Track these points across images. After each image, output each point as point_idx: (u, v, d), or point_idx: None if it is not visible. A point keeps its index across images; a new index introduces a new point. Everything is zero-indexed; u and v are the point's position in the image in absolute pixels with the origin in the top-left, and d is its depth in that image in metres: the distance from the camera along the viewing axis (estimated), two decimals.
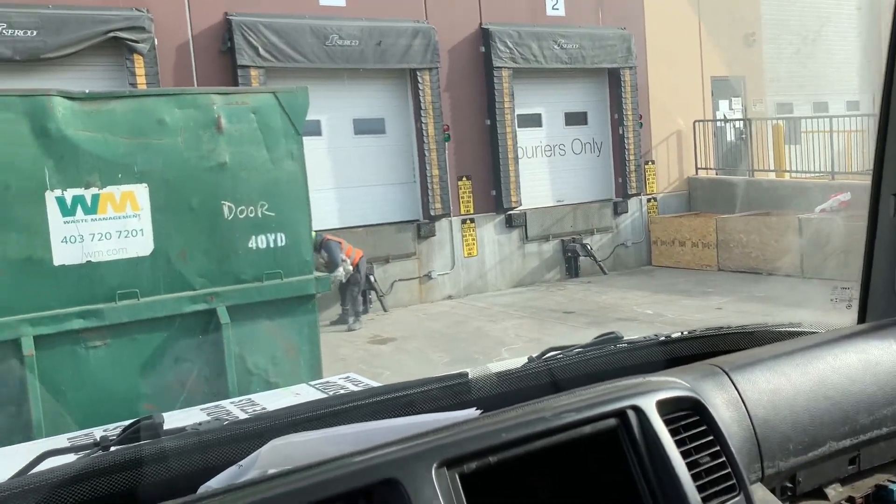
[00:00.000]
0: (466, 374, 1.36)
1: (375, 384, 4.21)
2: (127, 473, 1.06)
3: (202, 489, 0.96)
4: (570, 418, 0.96)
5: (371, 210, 11.90)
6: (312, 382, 4.32)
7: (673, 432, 1.13)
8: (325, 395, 3.84)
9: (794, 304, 9.92)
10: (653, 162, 14.35)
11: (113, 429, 3.59)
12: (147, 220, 4.92)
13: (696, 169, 14.73)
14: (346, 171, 11.65)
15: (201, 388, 5.27)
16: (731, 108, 15.41)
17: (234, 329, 5.18)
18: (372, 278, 11.34)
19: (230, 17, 10.47)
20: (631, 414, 1.11)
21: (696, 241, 13.18)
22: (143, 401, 5.00)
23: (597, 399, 1.08)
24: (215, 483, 0.95)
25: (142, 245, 4.93)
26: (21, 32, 9.17)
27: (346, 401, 1.30)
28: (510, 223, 12.80)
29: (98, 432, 3.53)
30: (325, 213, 10.69)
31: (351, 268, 10.42)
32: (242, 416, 3.45)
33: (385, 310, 11.41)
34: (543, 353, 1.52)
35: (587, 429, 1.01)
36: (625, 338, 1.58)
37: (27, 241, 4.59)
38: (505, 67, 12.38)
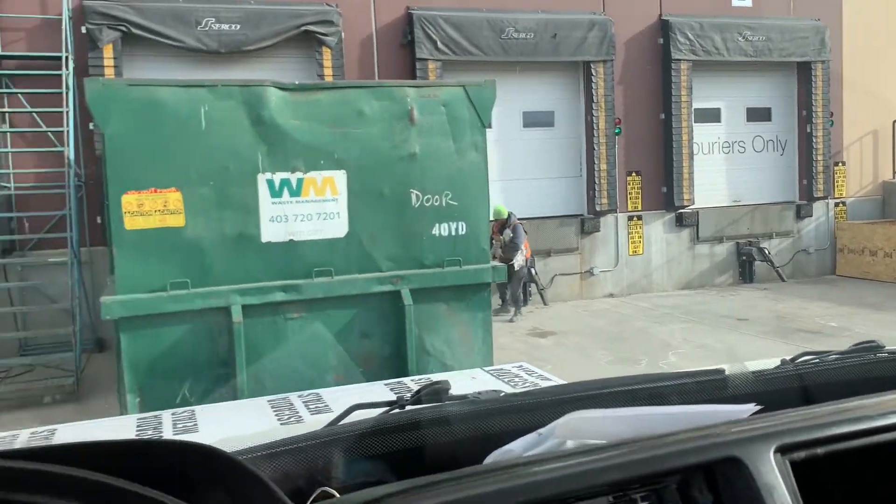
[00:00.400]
0: (723, 371, 1.37)
1: (548, 375, 4.25)
2: (419, 432, 1.17)
3: (499, 453, 1.04)
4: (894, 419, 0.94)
5: (535, 203, 11.91)
6: (486, 368, 4.45)
7: None
8: (502, 382, 3.94)
9: None
10: (843, 163, 13.27)
11: (307, 395, 3.84)
12: (344, 204, 5.25)
13: (894, 172, 13.43)
14: (512, 164, 11.74)
15: (380, 364, 5.56)
16: None
17: (415, 311, 5.41)
18: (533, 271, 11.38)
19: (411, 11, 10.85)
20: None
21: (889, 251, 12.05)
22: (331, 372, 5.35)
23: None
24: (516, 447, 1.03)
25: (338, 227, 5.27)
26: (226, 26, 10.00)
27: (602, 386, 1.34)
28: (680, 222, 12.35)
29: (293, 398, 3.81)
30: (491, 203, 10.83)
31: (523, 260, 10.48)
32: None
33: (545, 303, 11.40)
34: (797, 357, 1.48)
35: None
36: (886, 347, 1.50)
37: (241, 218, 5.04)
38: (684, 60, 11.93)
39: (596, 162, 11.72)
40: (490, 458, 1.06)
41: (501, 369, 4.24)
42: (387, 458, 1.15)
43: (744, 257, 12.51)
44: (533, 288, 11.44)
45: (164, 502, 0.66)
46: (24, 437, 2.93)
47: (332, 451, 1.13)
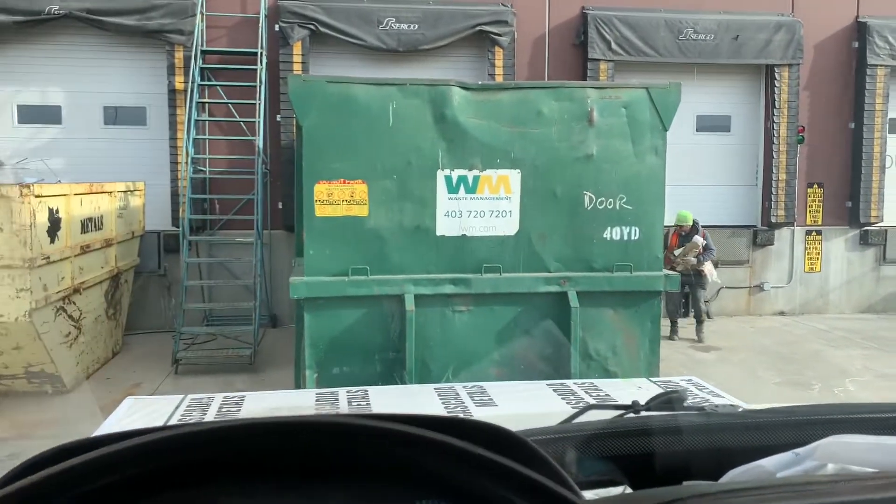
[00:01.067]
0: None
1: (721, 392, 4.08)
2: (654, 438, 1.18)
3: (746, 469, 1.04)
4: None
5: (705, 211, 11.38)
6: (654, 379, 4.34)
7: None
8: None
9: None
10: None
11: (471, 387, 3.91)
12: (516, 203, 5.32)
13: None
14: (683, 169, 11.28)
15: (541, 364, 5.58)
16: None
17: (581, 314, 5.38)
18: None
19: (586, 11, 10.73)
20: None
21: None
22: (492, 366, 5.44)
23: None
24: (769, 464, 1.02)
25: (509, 225, 5.35)
26: (406, 26, 10.37)
27: (848, 412, 1.29)
28: (865, 240, 11.37)
29: (458, 388, 3.88)
30: (668, 209, 10.50)
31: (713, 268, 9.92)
32: (589, 399, 3.59)
33: (709, 317, 10.91)
34: None
35: None
36: None
37: (419, 211, 5.24)
38: (882, 65, 10.96)
39: (774, 171, 11.04)
40: (734, 473, 1.05)
41: (669, 381, 4.12)
42: (620, 461, 1.17)
43: None
44: None
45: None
46: (218, 400, 3.23)
47: (569, 447, 1.17)
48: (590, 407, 1.31)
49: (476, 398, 3.75)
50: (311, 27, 10.10)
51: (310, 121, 5.03)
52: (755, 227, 11.33)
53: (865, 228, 11.31)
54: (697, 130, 11.42)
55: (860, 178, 11.12)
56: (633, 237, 5.47)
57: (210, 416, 3.06)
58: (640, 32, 10.66)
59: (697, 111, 11.36)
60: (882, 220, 11.26)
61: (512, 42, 10.61)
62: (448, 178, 5.26)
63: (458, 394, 3.82)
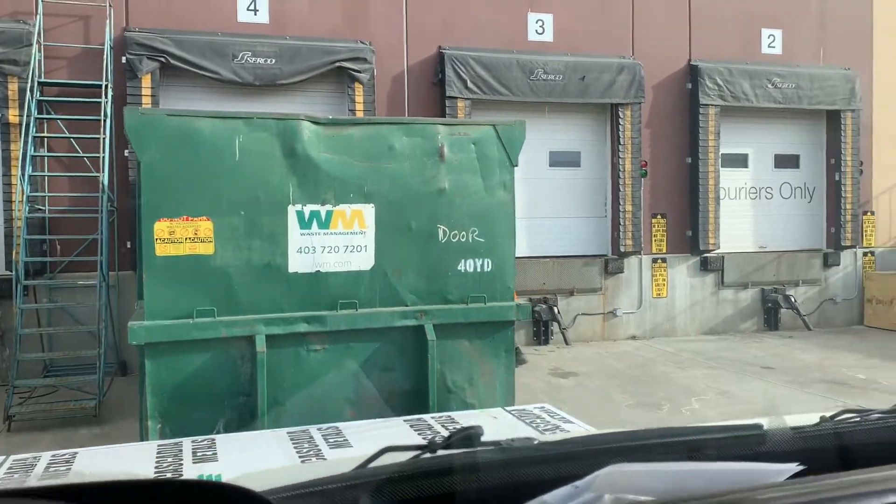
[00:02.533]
0: (761, 426, 1.35)
1: (571, 418, 4.20)
2: (451, 478, 1.16)
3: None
4: None
5: (560, 242, 11.92)
6: (508, 408, 4.41)
7: None
8: (524, 423, 3.89)
9: None
10: (872, 212, 13.14)
11: (326, 429, 3.81)
12: (371, 237, 5.29)
13: None
14: (538, 202, 11.77)
15: (401, 400, 5.53)
16: None
17: (438, 347, 5.39)
18: (556, 310, 11.33)
19: (443, 51, 11.02)
20: None
21: None
22: (350, 405, 5.33)
23: None
24: (551, 499, 1.02)
25: (364, 260, 5.30)
26: (262, 60, 10.22)
27: (640, 437, 1.32)
28: (705, 266, 12.26)
29: (314, 431, 3.80)
30: (516, 241, 10.83)
31: None
32: (444, 432, 3.58)
33: (567, 343, 11.32)
34: (837, 414, 1.46)
35: None
36: None
37: (269, 248, 5.09)
38: (712, 105, 11.96)
39: (621, 203, 11.71)
40: None
41: (523, 410, 4.20)
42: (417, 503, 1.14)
43: (769, 304, 12.37)
44: (555, 327, 11.38)
45: None
46: (45, 459, 2.94)
47: (363, 495, 1.12)
48: (386, 449, 1.28)
49: (331, 440, 3.64)
50: (161, 59, 9.73)
51: (149, 156, 4.78)
52: (606, 256, 11.93)
53: (705, 255, 12.20)
54: (551, 165, 11.94)
55: (698, 209, 12.01)
56: (486, 269, 5.58)
57: (33, 480, 2.77)
58: (493, 72, 11.07)
59: (550, 147, 11.90)
60: (719, 248, 12.19)
61: (372, 78, 10.71)
62: (300, 213, 5.16)
63: (312, 437, 3.69)
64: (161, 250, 4.78)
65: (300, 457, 3.25)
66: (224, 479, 0.73)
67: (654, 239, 12.12)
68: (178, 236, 4.78)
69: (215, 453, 3.27)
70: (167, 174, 4.84)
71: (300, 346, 5.18)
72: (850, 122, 12.62)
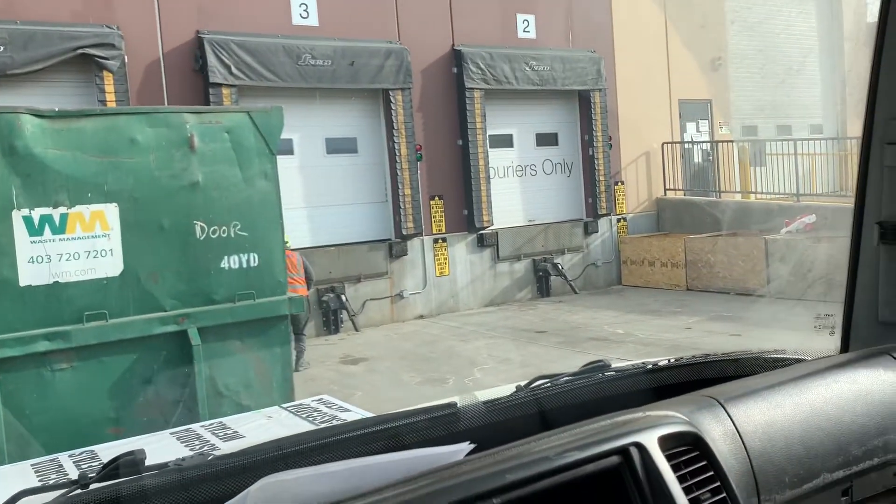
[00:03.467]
0: (455, 405, 1.35)
1: (349, 406, 4.16)
2: None
3: None
4: (574, 457, 0.95)
5: (343, 229, 11.86)
6: (285, 405, 4.26)
7: (674, 468, 1.13)
8: (301, 419, 3.78)
9: (760, 324, 10.07)
10: (622, 182, 14.54)
11: (79, 454, 3.49)
12: (117, 239, 4.84)
13: (665, 190, 14.95)
14: (318, 190, 11.61)
15: (170, 411, 5.17)
16: (698, 131, 15.69)
17: (205, 351, 5.10)
18: (343, 297, 11.29)
19: (202, 35, 10.42)
20: (633, 451, 1.10)
21: (665, 262, 13.35)
22: (109, 424, 4.89)
23: (598, 436, 1.08)
24: None
25: (111, 265, 4.84)
26: None
27: (331, 434, 1.27)
28: (482, 242, 12.84)
29: (63, 458, 3.44)
30: (298, 232, 10.62)
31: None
32: (215, 440, 3.38)
33: (357, 329, 11.34)
34: (531, 382, 1.51)
35: (590, 467, 1.00)
36: (612, 365, 1.58)
37: None
38: (477, 88, 12.48)
39: (400, 187, 11.89)
40: None
41: (301, 404, 4.07)
42: None
43: (540, 273, 13.27)
44: (344, 314, 11.33)
45: None
46: None
47: None
48: (21, 494, 1.11)
49: (84, 465, 3.26)
50: None
51: None
52: (390, 239, 12.07)
53: (481, 232, 12.77)
54: (328, 153, 11.81)
55: (471, 188, 12.52)
56: (252, 264, 5.35)
57: None
58: (259, 57, 10.67)
59: (326, 134, 11.76)
60: (493, 224, 12.82)
61: (122, 66, 9.86)
62: (28, 219, 4.58)
63: (62, 465, 3.29)
64: None
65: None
66: None
67: (433, 220, 12.46)
68: None
69: None
70: None
71: (42, 367, 4.63)
72: (599, 101, 13.82)
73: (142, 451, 1.17)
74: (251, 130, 5.32)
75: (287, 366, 5.58)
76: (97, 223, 4.76)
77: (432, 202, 12.44)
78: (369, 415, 3.42)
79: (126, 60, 9.92)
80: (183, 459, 1.18)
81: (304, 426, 3.73)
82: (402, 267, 12.16)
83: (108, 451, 3.52)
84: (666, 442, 1.16)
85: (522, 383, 1.50)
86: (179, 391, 5.16)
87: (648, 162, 14.89)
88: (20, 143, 4.56)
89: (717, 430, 1.27)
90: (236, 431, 3.39)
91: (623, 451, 1.10)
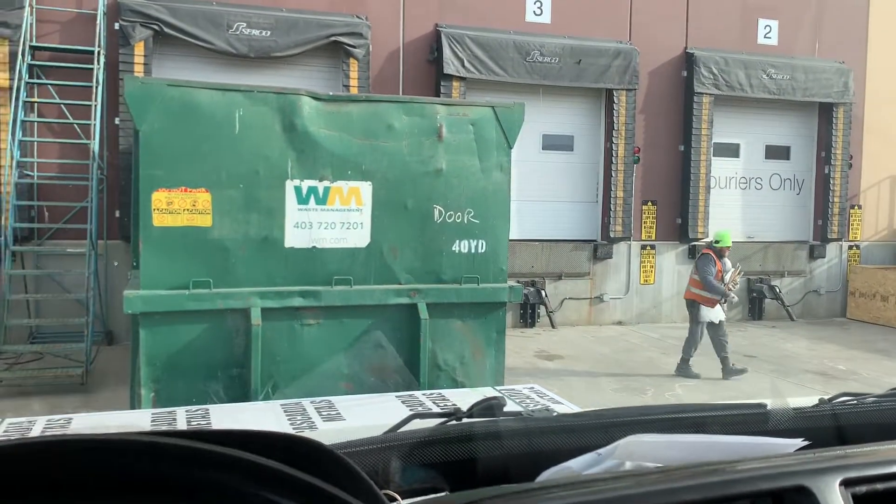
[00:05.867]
0: (765, 405, 1.40)
1: (560, 399, 4.27)
2: (474, 444, 1.20)
3: (557, 469, 1.08)
4: None
5: (550, 225, 11.96)
6: (498, 388, 4.47)
7: None
8: (514, 403, 3.96)
9: None
10: (859, 206, 13.29)
11: (319, 402, 3.89)
12: (368, 215, 5.31)
13: None
14: (529, 185, 11.79)
15: (391, 375, 5.59)
16: None
17: (430, 325, 5.44)
18: (543, 293, 11.41)
19: (440, 29, 10.96)
20: None
21: None
22: (342, 379, 5.38)
23: None
24: (575, 465, 1.07)
25: (360, 237, 5.32)
26: (257, 32, 10.13)
27: (649, 412, 1.38)
28: (693, 254, 12.34)
29: (306, 403, 3.84)
30: (513, 223, 10.85)
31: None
32: (434, 408, 3.64)
33: (553, 326, 11.42)
34: (836, 397, 1.52)
35: None
36: None
37: (266, 222, 5.10)
38: (706, 94, 12.00)
39: (613, 189, 11.77)
40: (546, 474, 1.09)
41: (513, 389, 4.26)
42: (442, 468, 1.19)
43: (754, 294, 12.51)
44: (542, 310, 11.46)
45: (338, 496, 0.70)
46: (41, 423, 2.96)
47: (392, 457, 1.17)
48: (413, 416, 1.32)
49: (324, 413, 3.68)
50: (155, 27, 9.62)
51: (147, 125, 4.76)
52: (596, 241, 12.00)
53: (693, 243, 12.30)
54: (543, 149, 11.96)
55: (689, 197, 12.08)
56: (480, 250, 5.62)
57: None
58: (490, 52, 11.04)
59: (543, 130, 11.90)
60: (708, 236, 12.28)
61: (367, 55, 10.65)
62: (298, 189, 5.16)
63: (304, 409, 3.73)
64: (158, 220, 4.78)
65: (294, 428, 3.30)
66: None
67: (643, 225, 12.20)
68: (176, 207, 4.77)
69: (209, 423, 3.30)
70: (166, 144, 4.82)
71: (295, 320, 5.21)
72: (842, 116, 12.72)
73: (502, 398, 1.35)
74: (493, 124, 5.57)
75: (501, 351, 5.80)
76: (353, 198, 5.25)
77: (644, 207, 12.18)
78: (579, 409, 3.51)
79: (371, 49, 10.69)
80: (532, 411, 1.34)
81: (515, 409, 3.88)
82: (606, 270, 12.05)
83: (342, 403, 3.92)
84: None
85: (826, 397, 1.51)
86: (403, 359, 5.57)
87: (893, 187, 13.46)
88: (298, 122, 5.14)
89: None
90: (454, 404, 3.62)
91: None
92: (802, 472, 0.90)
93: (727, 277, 8.75)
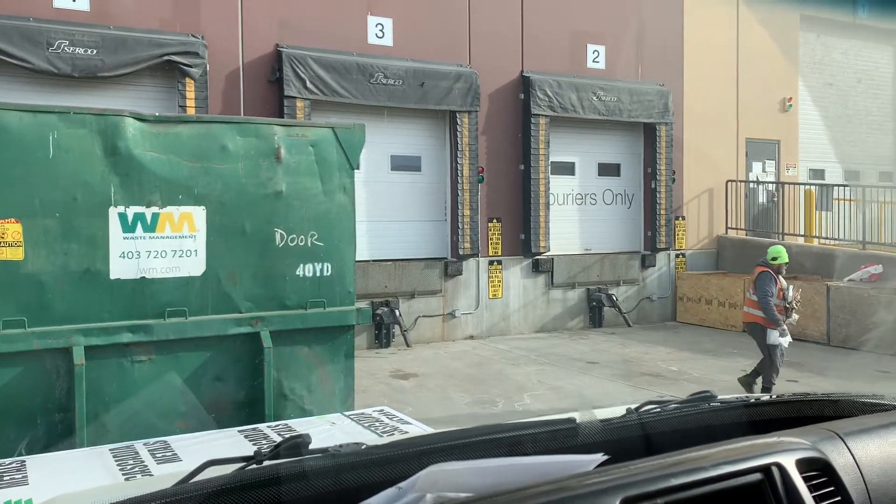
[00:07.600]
0: (574, 420, 1.44)
1: (409, 419, 4.26)
2: (278, 488, 1.14)
3: None
4: (726, 469, 1.04)
5: (401, 245, 12.05)
6: (347, 413, 4.39)
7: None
8: (363, 427, 3.90)
9: (819, 371, 9.86)
10: (683, 217, 14.43)
11: (153, 443, 3.65)
12: (202, 241, 5.06)
13: (727, 228, 14.78)
14: (379, 205, 11.83)
15: (235, 410, 5.34)
16: (764, 171, 15.50)
17: (275, 353, 5.27)
18: (397, 312, 11.44)
19: (281, 49, 10.79)
20: (775, 470, 1.19)
21: (722, 301, 13.17)
22: (178, 418, 5.07)
23: (745, 453, 1.16)
24: (376, 502, 1.03)
25: (194, 265, 5.06)
26: (81, 50, 9.49)
27: (460, 436, 1.37)
28: (537, 268, 12.88)
29: (139, 446, 3.60)
30: (357, 244, 10.81)
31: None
32: (278, 438, 3.51)
33: (408, 345, 11.47)
34: (641, 406, 1.59)
35: (737, 481, 1.08)
36: (718, 397, 1.65)
37: (88, 253, 4.73)
38: (542, 115, 12.59)
39: (460, 207, 12.04)
40: None
41: (362, 414, 4.20)
42: None
43: (594, 303, 13.21)
44: (396, 329, 11.48)
45: None
46: None
47: None
48: (209, 463, 1.24)
49: (158, 455, 3.43)
50: None
51: None
52: (446, 258, 12.21)
53: (536, 258, 12.81)
54: (392, 169, 12.05)
55: (530, 213, 12.59)
56: (325, 273, 5.52)
57: None
58: (333, 73, 10.99)
59: (391, 151, 11.99)
60: (549, 250, 12.85)
61: (204, 74, 10.27)
62: (122, 216, 4.83)
63: (137, 452, 3.47)
64: None
65: (124, 474, 3.04)
66: None
67: (490, 242, 12.57)
68: None
69: (25, 476, 2.99)
70: None
71: (124, 357, 4.85)
72: (664, 135, 13.79)
73: (308, 436, 1.29)
74: (334, 145, 5.51)
75: (350, 375, 5.71)
76: (185, 224, 4.99)
77: (490, 224, 12.55)
78: (429, 429, 3.52)
79: (208, 69, 10.32)
80: (340, 447, 1.29)
81: (366, 434, 3.83)
82: (456, 286, 12.27)
83: (179, 442, 3.69)
84: (801, 465, 1.24)
85: (633, 406, 1.58)
86: (246, 391, 5.34)
87: (711, 199, 14.75)
88: (122, 144, 4.83)
89: (839, 461, 1.34)
90: (301, 435, 3.52)
91: (765, 470, 1.19)
92: (586, 494, 0.92)
93: (789, 295, 8.04)
